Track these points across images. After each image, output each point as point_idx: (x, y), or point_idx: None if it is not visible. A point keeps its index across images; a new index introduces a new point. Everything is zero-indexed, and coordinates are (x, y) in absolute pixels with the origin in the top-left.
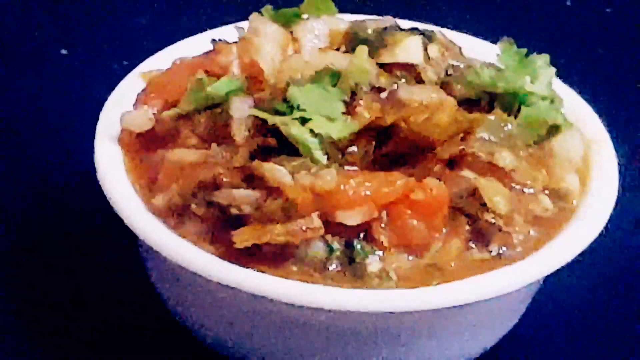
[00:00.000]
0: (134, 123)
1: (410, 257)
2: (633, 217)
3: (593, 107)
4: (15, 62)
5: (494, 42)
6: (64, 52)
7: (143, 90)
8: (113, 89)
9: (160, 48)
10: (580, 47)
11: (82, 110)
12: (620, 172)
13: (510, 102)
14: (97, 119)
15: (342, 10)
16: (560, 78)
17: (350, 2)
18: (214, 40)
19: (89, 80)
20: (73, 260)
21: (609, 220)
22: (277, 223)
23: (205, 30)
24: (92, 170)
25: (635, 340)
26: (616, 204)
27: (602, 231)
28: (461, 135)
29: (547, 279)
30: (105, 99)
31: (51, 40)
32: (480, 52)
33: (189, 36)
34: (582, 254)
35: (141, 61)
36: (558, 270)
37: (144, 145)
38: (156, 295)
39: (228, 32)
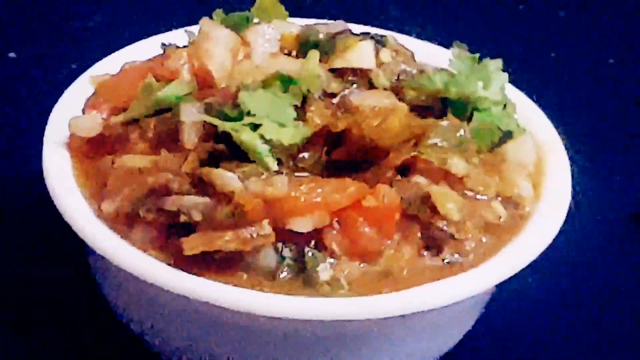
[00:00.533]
0: (83, 128)
1: (362, 265)
2: (586, 222)
3: (544, 111)
4: None
5: (447, 47)
6: (12, 55)
7: (92, 94)
8: (61, 93)
9: (110, 52)
10: (531, 51)
11: (30, 114)
12: (572, 176)
13: (463, 108)
14: (46, 123)
15: (292, 14)
16: (512, 83)
17: (301, 6)
18: (163, 45)
19: (37, 84)
20: (20, 267)
21: (562, 226)
22: (227, 230)
23: (155, 34)
24: (40, 175)
25: (587, 347)
26: (569, 208)
27: (555, 237)
28: (413, 141)
29: (501, 286)
30: (54, 104)
31: None
32: (433, 57)
33: (138, 40)
34: (536, 260)
35: (90, 65)
36: (511, 278)
37: (92, 150)
38: (105, 303)
39: (178, 36)
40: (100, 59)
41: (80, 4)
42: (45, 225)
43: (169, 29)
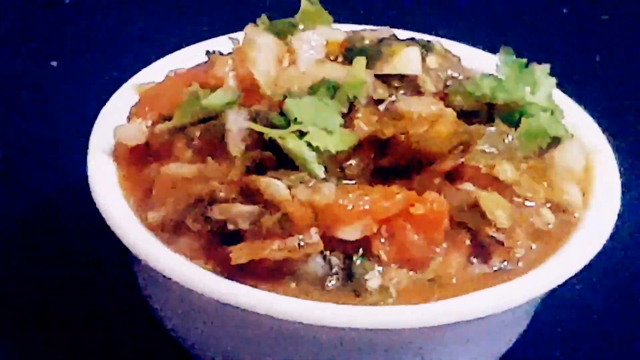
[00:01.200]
0: (128, 136)
1: (410, 273)
2: (636, 228)
3: (593, 117)
4: (3, 74)
5: (494, 52)
6: (54, 64)
7: (136, 103)
8: (106, 102)
9: (154, 60)
10: (579, 56)
11: (75, 123)
12: (622, 182)
13: (511, 114)
14: (90, 132)
15: (337, 20)
16: (560, 88)
17: (346, 13)
18: (208, 52)
19: (81, 93)
20: (67, 277)
21: (613, 232)
22: (275, 239)
23: (199, 41)
24: (85, 185)
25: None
26: (619, 214)
27: (605, 243)
28: (461, 147)
29: (550, 293)
30: (98, 113)
31: (41, 52)
32: (480, 63)
33: (183, 47)
34: (586, 267)
35: (134, 73)
36: (561, 285)
37: (137, 158)
38: (151, 313)
39: (223, 44)
40: (145, 66)
41: (123, 12)
42: (90, 235)
43: (213, 37)
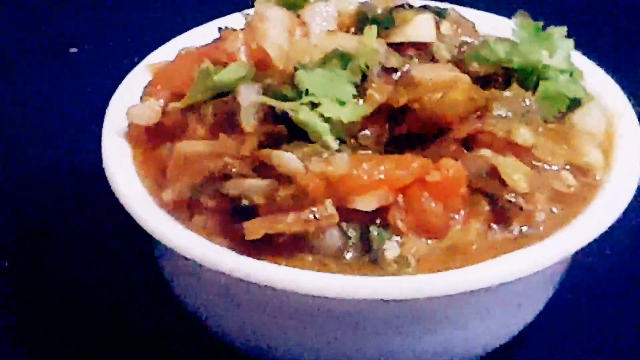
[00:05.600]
0: (141, 116)
1: (429, 241)
2: None
3: (613, 78)
4: (23, 60)
5: (509, 17)
6: (73, 50)
7: (149, 83)
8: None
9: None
10: (598, 17)
11: (91, 107)
12: None
13: (528, 77)
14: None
15: None
16: (579, 50)
17: None
18: (220, 29)
19: (98, 76)
20: (85, 259)
21: (635, 193)
22: (290, 212)
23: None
24: (100, 166)
25: None
26: None
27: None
28: (477, 113)
29: (574, 259)
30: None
31: (59, 39)
32: (495, 28)
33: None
34: (609, 229)
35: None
36: (584, 248)
37: (152, 138)
38: (171, 292)
39: (235, 20)
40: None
41: None
42: (106, 216)
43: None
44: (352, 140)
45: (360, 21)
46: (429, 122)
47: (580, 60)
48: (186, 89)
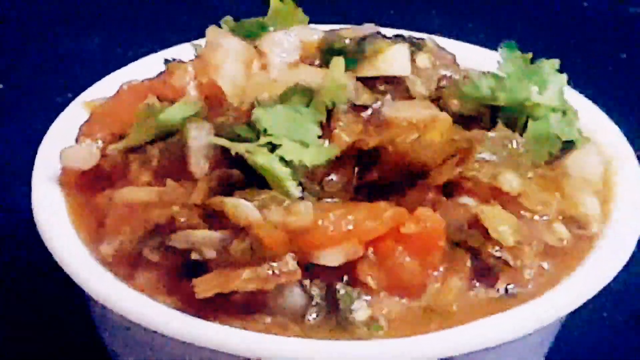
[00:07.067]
0: (76, 159)
1: (403, 301)
2: None
3: (612, 118)
4: None
5: (494, 49)
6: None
7: (86, 121)
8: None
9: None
10: (595, 51)
11: (19, 148)
12: None
13: (515, 116)
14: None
15: (314, 21)
16: (572, 86)
17: (325, 12)
18: (167, 61)
19: (27, 115)
20: (15, 316)
21: (635, 248)
22: (245, 268)
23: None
24: (30, 214)
25: None
26: None
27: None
28: (458, 156)
29: (569, 317)
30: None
31: None
32: (478, 61)
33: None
34: (605, 288)
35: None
36: (579, 309)
37: (88, 184)
38: (107, 353)
39: (184, 51)
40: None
41: (72, 25)
42: (37, 270)
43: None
44: (317, 187)
45: (326, 52)
46: (403, 167)
47: (574, 97)
48: (128, 129)
